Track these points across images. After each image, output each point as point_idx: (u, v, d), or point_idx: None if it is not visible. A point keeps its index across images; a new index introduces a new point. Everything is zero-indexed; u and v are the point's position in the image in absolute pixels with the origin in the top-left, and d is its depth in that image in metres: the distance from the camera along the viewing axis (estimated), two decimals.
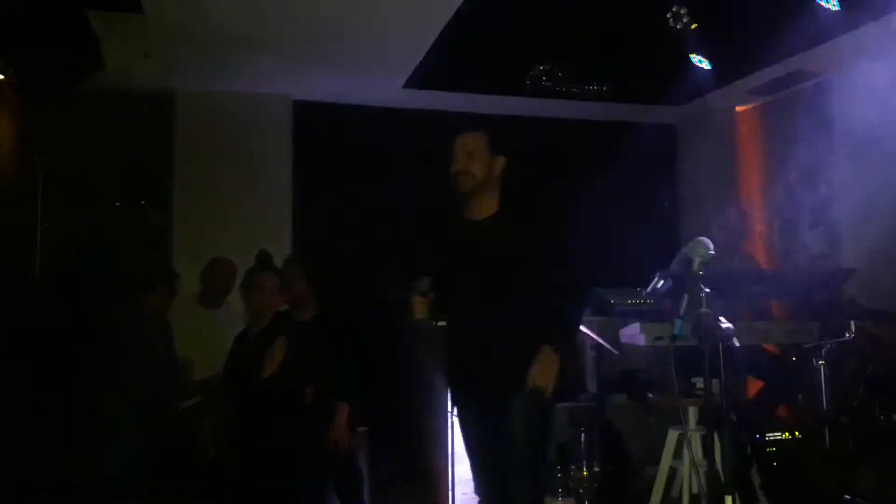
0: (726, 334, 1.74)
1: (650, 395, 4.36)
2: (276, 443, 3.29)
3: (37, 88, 4.47)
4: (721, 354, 1.75)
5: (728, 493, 1.72)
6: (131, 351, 3.53)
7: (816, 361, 3.39)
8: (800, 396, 4.06)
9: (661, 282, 3.94)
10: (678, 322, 1.85)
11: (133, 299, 3.67)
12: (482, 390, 2.69)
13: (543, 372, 2.49)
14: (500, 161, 2.74)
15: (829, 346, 3.34)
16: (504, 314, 2.61)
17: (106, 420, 3.41)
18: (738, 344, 1.76)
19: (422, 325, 2.72)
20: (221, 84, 5.17)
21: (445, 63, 4.89)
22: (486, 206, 2.74)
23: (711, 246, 1.87)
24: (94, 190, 5.27)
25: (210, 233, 5.08)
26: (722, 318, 1.78)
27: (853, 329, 3.18)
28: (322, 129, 5.46)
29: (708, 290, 1.84)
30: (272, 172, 5.39)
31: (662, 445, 3.66)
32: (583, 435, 1.73)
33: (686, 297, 1.83)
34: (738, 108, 5.82)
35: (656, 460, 3.65)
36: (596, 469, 1.70)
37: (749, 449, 3.86)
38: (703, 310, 1.80)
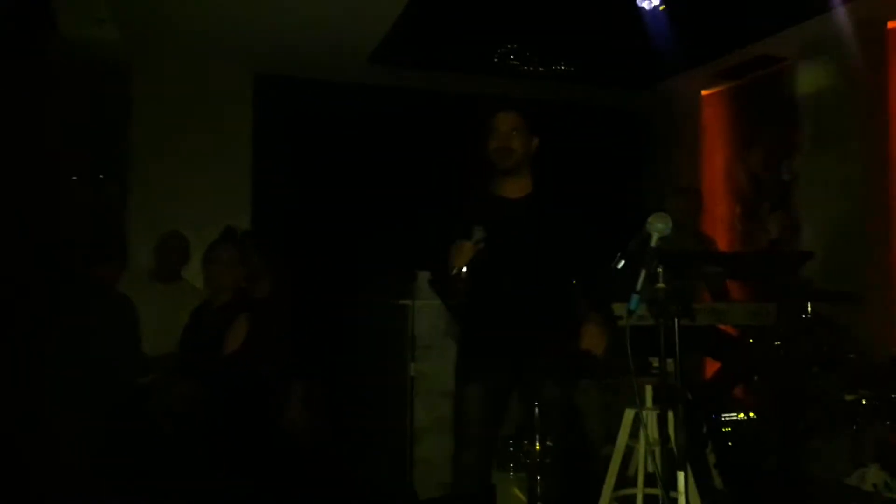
0: (682, 311, 1.73)
1: (610, 374, 4.39)
2: (236, 421, 3.22)
3: None
4: (677, 331, 1.74)
5: (680, 469, 1.72)
6: (84, 326, 3.43)
7: (773, 342, 3.43)
8: (755, 377, 4.12)
9: (622, 262, 3.95)
10: (634, 297, 1.84)
11: (84, 272, 3.56)
12: (512, 365, 2.69)
13: (594, 337, 2.59)
14: (535, 141, 2.77)
15: (785, 327, 3.38)
16: (541, 290, 2.68)
17: (59, 397, 3.32)
18: (694, 321, 1.75)
19: (460, 278, 2.62)
20: (181, 54, 5.03)
21: (412, 39, 4.82)
22: (522, 186, 2.77)
23: (670, 221, 1.86)
24: (49, 163, 5.10)
25: (167, 207, 4.97)
26: (679, 295, 1.77)
27: (810, 310, 3.22)
28: (284, 103, 5.37)
29: (664, 265, 1.82)
30: (232, 146, 5.28)
31: (619, 425, 3.69)
32: (536, 410, 1.71)
33: (643, 272, 1.82)
34: (704, 92, 5.85)
35: (615, 440, 3.68)
36: (549, 444, 1.69)
37: (704, 428, 3.91)
38: (660, 285, 1.79)
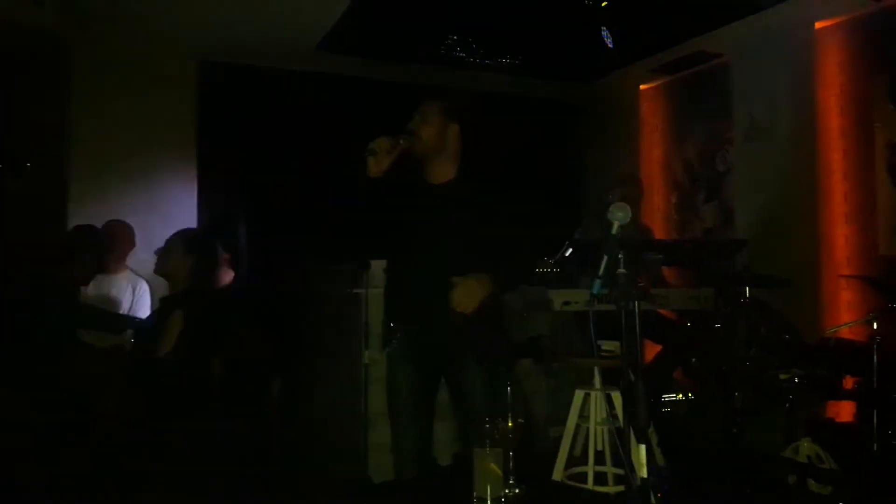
0: (642, 294, 1.83)
1: (556, 359, 4.53)
2: (181, 416, 3.19)
3: None
4: (637, 314, 1.85)
5: (641, 443, 1.83)
6: (42, 324, 3.32)
7: (713, 325, 3.61)
8: (693, 360, 4.32)
9: (569, 250, 4.08)
10: (597, 282, 1.93)
11: (49, 271, 3.43)
12: (433, 347, 2.73)
13: (466, 293, 2.52)
14: (454, 128, 2.78)
15: (724, 311, 3.55)
16: (457, 275, 2.61)
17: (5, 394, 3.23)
18: (653, 305, 1.85)
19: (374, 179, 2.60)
20: (122, 39, 4.91)
21: (360, 28, 4.84)
22: (443, 172, 2.78)
23: (630, 210, 1.97)
24: None
25: (109, 197, 4.87)
26: (638, 279, 1.88)
27: (747, 294, 3.40)
28: (229, 90, 5.30)
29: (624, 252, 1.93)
30: (176, 134, 5.19)
31: (563, 407, 3.82)
32: (508, 389, 1.80)
33: (605, 258, 1.91)
34: (642, 86, 6.03)
35: (558, 422, 3.82)
36: (520, 421, 1.78)
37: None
38: (620, 270, 1.90)
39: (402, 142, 2.65)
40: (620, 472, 3.55)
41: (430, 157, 2.76)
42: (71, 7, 4.42)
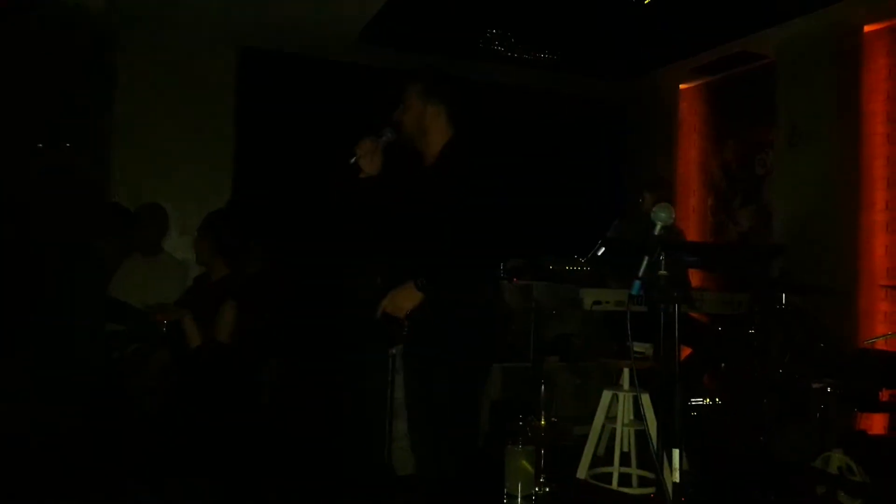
0: (684, 296, 1.82)
1: (584, 357, 4.52)
2: (217, 396, 3.23)
3: None
4: (677, 317, 1.84)
5: (676, 447, 1.82)
6: (71, 298, 3.37)
7: (746, 331, 3.57)
8: (722, 364, 4.27)
9: (601, 249, 4.06)
10: (637, 283, 1.92)
11: (79, 244, 3.49)
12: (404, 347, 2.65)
13: (395, 300, 2.43)
14: (434, 109, 2.61)
15: (758, 316, 3.51)
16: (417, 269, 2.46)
17: (40, 370, 3.28)
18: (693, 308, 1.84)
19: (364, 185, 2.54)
20: (166, 25, 4.97)
21: (401, 20, 4.84)
22: (429, 153, 2.66)
23: (673, 211, 1.95)
24: (15, 128, 4.99)
25: (149, 180, 4.94)
26: (678, 281, 1.87)
27: (784, 301, 3.35)
28: (269, 78, 5.34)
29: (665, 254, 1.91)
30: (215, 119, 5.25)
31: (588, 406, 3.80)
32: (542, 388, 1.80)
33: (646, 259, 1.90)
34: (682, 86, 5.96)
35: (583, 420, 3.78)
36: (553, 419, 1.77)
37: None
38: (661, 272, 1.88)
39: (384, 137, 2.57)
40: (645, 474, 3.54)
41: (417, 141, 2.65)
42: None
